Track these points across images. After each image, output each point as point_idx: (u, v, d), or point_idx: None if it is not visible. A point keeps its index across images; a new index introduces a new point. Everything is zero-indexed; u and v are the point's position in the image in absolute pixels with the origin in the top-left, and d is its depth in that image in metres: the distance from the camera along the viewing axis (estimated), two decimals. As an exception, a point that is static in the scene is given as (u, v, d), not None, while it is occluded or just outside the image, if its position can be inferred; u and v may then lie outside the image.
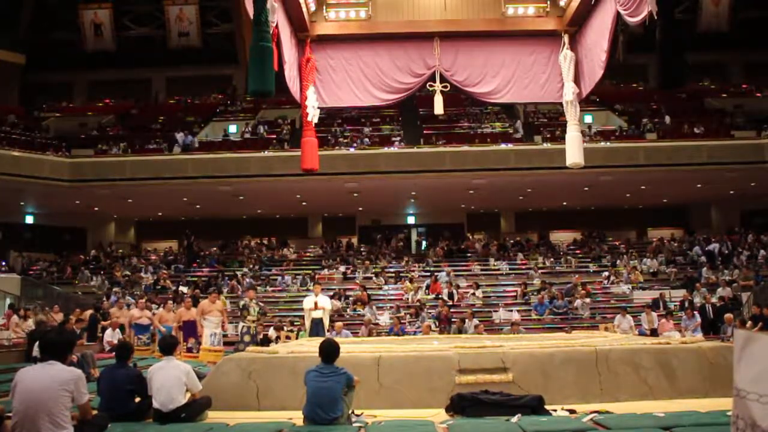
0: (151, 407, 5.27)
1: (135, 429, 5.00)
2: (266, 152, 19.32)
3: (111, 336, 12.04)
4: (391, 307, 16.69)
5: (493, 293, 18.14)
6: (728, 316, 13.13)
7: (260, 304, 11.82)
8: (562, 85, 9.85)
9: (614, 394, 6.00)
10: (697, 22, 24.66)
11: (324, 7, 9.94)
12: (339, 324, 13.69)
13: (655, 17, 6.99)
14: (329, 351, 4.96)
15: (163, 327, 11.82)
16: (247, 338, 11.02)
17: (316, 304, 11.05)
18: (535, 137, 20.76)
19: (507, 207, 23.73)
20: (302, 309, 11.66)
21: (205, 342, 10.88)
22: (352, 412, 5.14)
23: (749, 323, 12.56)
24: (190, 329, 11.23)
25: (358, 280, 19.02)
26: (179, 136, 20.51)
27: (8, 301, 16.02)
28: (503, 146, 19.32)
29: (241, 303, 12.15)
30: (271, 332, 13.14)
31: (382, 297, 18.03)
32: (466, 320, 13.78)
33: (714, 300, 15.88)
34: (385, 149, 19.66)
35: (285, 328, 13.79)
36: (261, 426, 4.93)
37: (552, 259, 20.41)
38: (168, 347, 5.59)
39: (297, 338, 12.42)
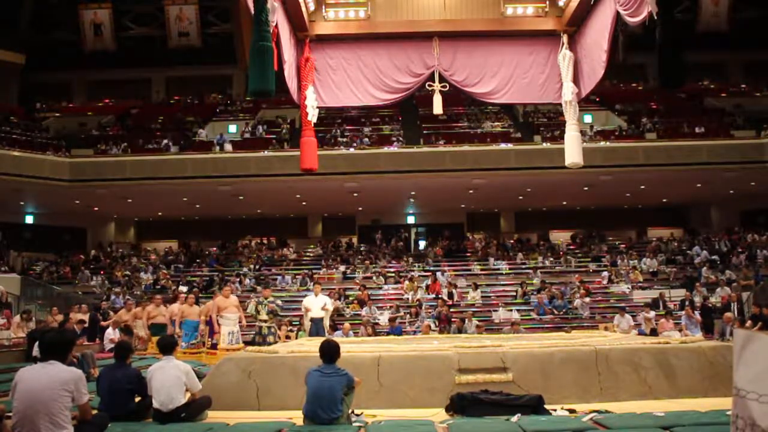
0: (151, 407, 5.28)
1: (135, 429, 5.00)
2: (266, 152, 19.32)
3: (112, 335, 12.01)
4: (391, 307, 16.69)
5: (493, 293, 18.14)
6: (728, 315, 13.09)
7: (276, 303, 11.34)
8: (561, 85, 9.85)
9: (614, 393, 6.01)
10: (697, 22, 24.66)
11: (323, 7, 9.94)
12: (347, 325, 13.70)
13: (655, 17, 6.99)
14: (330, 351, 4.97)
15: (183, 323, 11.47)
16: (270, 339, 10.40)
17: (315, 304, 11.04)
18: (534, 137, 20.76)
19: (507, 207, 23.73)
20: (302, 309, 11.62)
21: (222, 341, 10.50)
22: (352, 412, 5.14)
23: (749, 323, 12.53)
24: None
25: (357, 280, 19.03)
26: (166, 141, 20.57)
27: (9, 301, 15.97)
28: (503, 146, 19.31)
29: (250, 303, 11.84)
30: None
31: (381, 297, 18.04)
32: (466, 320, 13.77)
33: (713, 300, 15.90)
34: (385, 149, 19.65)
35: (284, 327, 13.72)
36: (261, 426, 4.93)
37: (552, 259, 20.41)
38: (167, 347, 5.59)
39: (297, 338, 12.39)
